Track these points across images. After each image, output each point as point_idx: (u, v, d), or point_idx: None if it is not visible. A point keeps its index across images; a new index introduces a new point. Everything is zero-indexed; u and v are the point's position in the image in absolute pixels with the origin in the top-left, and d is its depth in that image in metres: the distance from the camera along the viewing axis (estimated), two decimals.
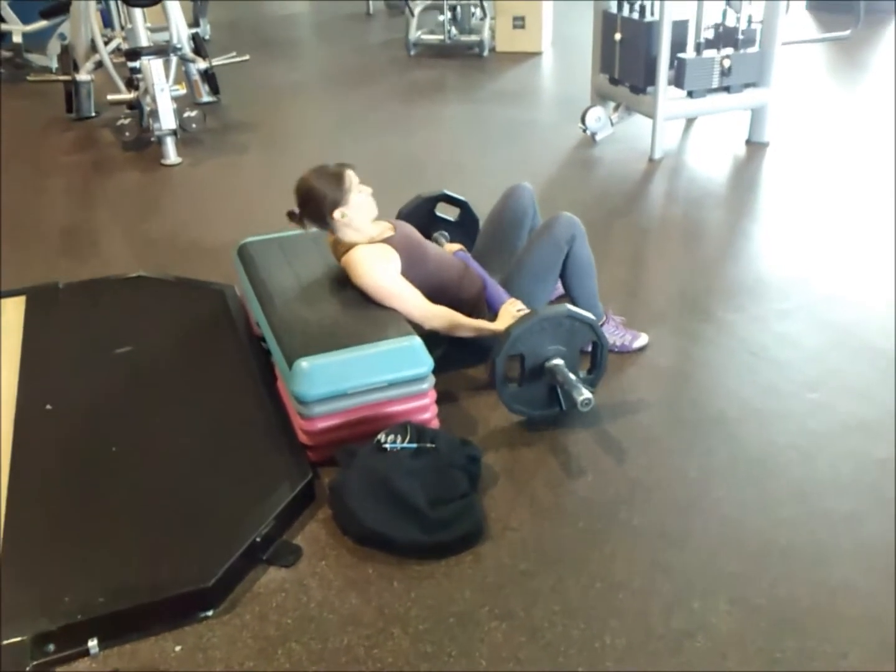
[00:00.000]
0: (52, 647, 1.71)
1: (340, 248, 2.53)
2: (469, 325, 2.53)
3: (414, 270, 2.49)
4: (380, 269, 2.43)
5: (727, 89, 4.51)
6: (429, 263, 2.57)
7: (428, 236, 3.01)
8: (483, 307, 2.66)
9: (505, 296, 2.62)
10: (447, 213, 3.19)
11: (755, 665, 1.68)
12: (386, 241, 2.50)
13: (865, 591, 1.84)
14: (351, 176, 2.45)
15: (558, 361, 2.36)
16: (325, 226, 2.49)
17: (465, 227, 3.17)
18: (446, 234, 3.13)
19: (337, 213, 2.43)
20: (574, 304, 2.51)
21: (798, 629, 1.75)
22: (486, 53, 7.09)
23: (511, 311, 2.50)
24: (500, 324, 2.48)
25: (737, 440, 2.35)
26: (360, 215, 2.48)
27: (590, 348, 2.44)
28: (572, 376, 2.33)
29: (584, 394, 2.26)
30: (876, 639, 1.73)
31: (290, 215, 2.52)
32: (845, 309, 3.00)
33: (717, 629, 1.76)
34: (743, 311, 3.01)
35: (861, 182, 4.18)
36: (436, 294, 2.52)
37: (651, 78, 4.41)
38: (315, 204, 2.43)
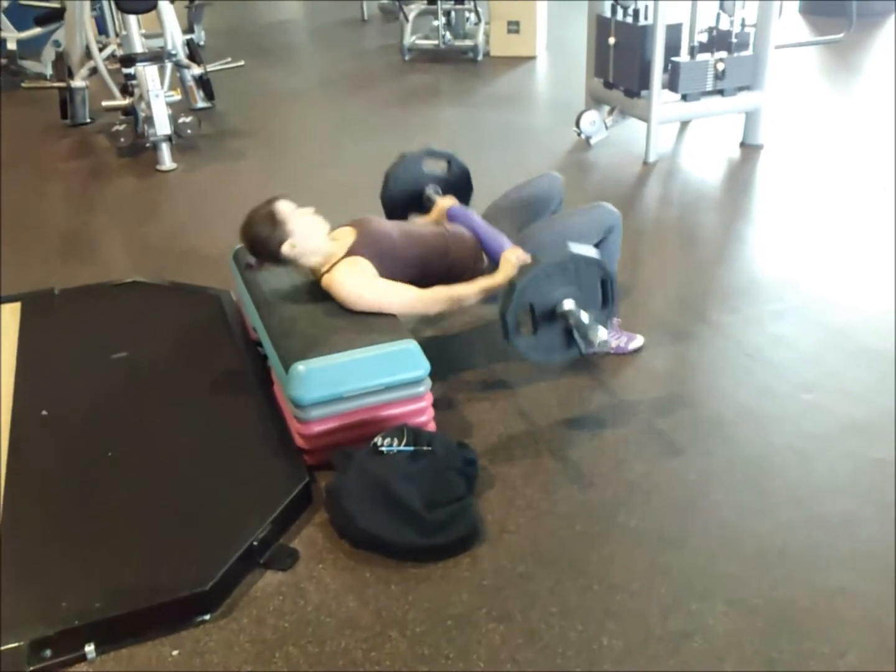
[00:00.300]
0: (48, 652, 1.70)
1: (315, 276, 2.50)
2: (472, 291, 2.46)
3: (390, 264, 2.45)
4: (360, 288, 2.38)
5: (721, 92, 4.52)
6: (403, 251, 2.49)
7: (420, 194, 3.00)
8: (480, 262, 2.59)
9: (505, 243, 2.53)
10: (435, 170, 3.13)
11: (753, 666, 1.68)
12: (350, 252, 2.44)
13: (863, 592, 1.84)
14: (282, 208, 2.40)
15: (570, 304, 2.28)
16: (285, 263, 2.45)
17: (455, 181, 3.10)
18: (438, 188, 3.05)
19: (286, 248, 2.39)
20: None
21: (795, 630, 1.75)
22: (480, 58, 7.11)
23: (511, 259, 2.42)
24: (503, 274, 2.42)
25: (734, 442, 2.35)
26: (310, 240, 2.42)
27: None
28: (585, 318, 2.25)
29: (601, 333, 2.19)
30: (874, 640, 1.73)
31: (249, 266, 2.51)
32: (840, 310, 3.01)
33: (714, 631, 1.76)
34: (738, 313, 3.02)
35: (855, 184, 4.20)
36: (424, 273, 2.48)
37: (645, 81, 4.42)
38: (263, 249, 2.41)
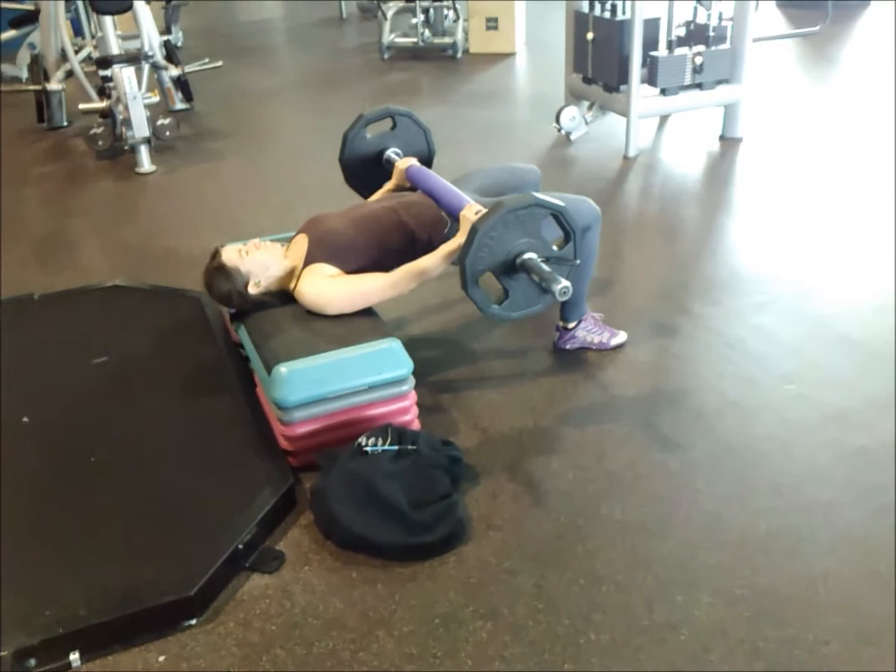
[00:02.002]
0: (32, 661, 1.69)
1: (289, 291, 2.49)
2: (437, 258, 2.36)
3: (350, 257, 2.43)
4: (327, 293, 2.37)
5: (700, 86, 4.54)
6: (353, 240, 2.45)
7: (380, 161, 2.95)
8: (441, 224, 2.54)
9: (464, 200, 2.44)
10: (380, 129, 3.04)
11: (739, 656, 1.69)
12: (308, 260, 2.42)
13: (845, 579, 1.86)
14: (228, 256, 2.41)
15: (529, 255, 2.16)
16: (259, 300, 2.45)
17: (405, 129, 3.00)
18: (398, 150, 2.98)
19: (252, 288, 2.41)
20: None
21: (779, 618, 1.77)
22: (459, 55, 7.11)
23: (469, 216, 2.29)
24: (463, 234, 2.30)
25: (716, 433, 2.37)
26: (268, 269, 2.43)
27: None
28: (546, 268, 2.15)
29: (562, 282, 2.10)
30: (856, 626, 1.74)
31: (232, 317, 2.57)
32: (821, 301, 3.03)
33: (700, 621, 1.77)
34: (719, 305, 3.03)
35: (834, 175, 4.23)
36: (385, 252, 2.44)
37: (624, 76, 4.43)
38: (234, 301, 2.45)
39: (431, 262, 2.38)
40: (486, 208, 2.23)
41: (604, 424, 2.42)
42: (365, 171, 2.98)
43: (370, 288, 2.39)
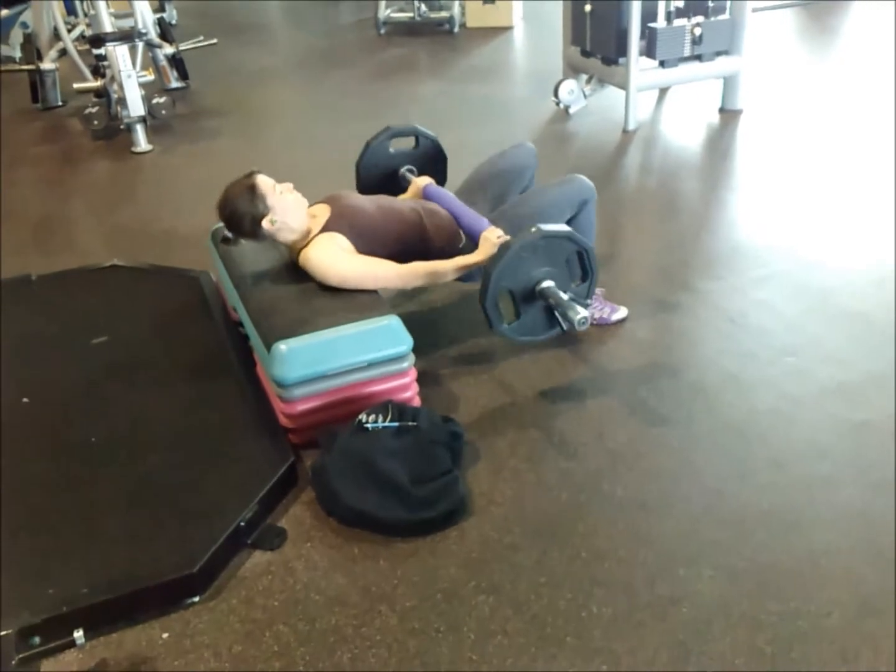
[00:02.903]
0: (37, 639, 1.70)
1: (292, 253, 2.48)
2: (450, 267, 2.44)
3: (367, 239, 2.42)
4: (338, 262, 2.36)
5: (699, 58, 4.50)
6: (378, 225, 2.47)
7: (394, 176, 2.97)
8: (457, 240, 2.58)
9: (483, 222, 2.51)
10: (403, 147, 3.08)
11: (740, 629, 1.69)
12: (325, 227, 2.42)
13: (845, 552, 1.86)
14: (263, 182, 2.37)
15: (548, 283, 2.27)
16: (262, 238, 2.41)
17: (427, 153, 3.05)
18: (413, 168, 3.02)
19: (266, 224, 2.36)
20: None
21: (781, 592, 1.77)
22: (456, 30, 7.04)
23: (491, 239, 2.39)
24: (482, 254, 2.40)
25: (717, 408, 2.36)
26: (290, 215, 2.38)
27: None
28: (564, 296, 2.24)
29: (580, 313, 2.18)
30: (857, 598, 1.75)
31: (226, 240, 2.46)
32: (822, 274, 3.02)
33: (702, 595, 1.78)
34: (720, 280, 3.02)
35: (835, 147, 4.20)
36: (402, 248, 2.46)
37: (622, 49, 4.39)
38: (241, 224, 2.37)
39: (444, 267, 2.43)
40: (497, 226, 2.44)
41: (604, 401, 2.41)
42: (378, 181, 2.99)
43: (379, 271, 2.39)
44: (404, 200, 2.71)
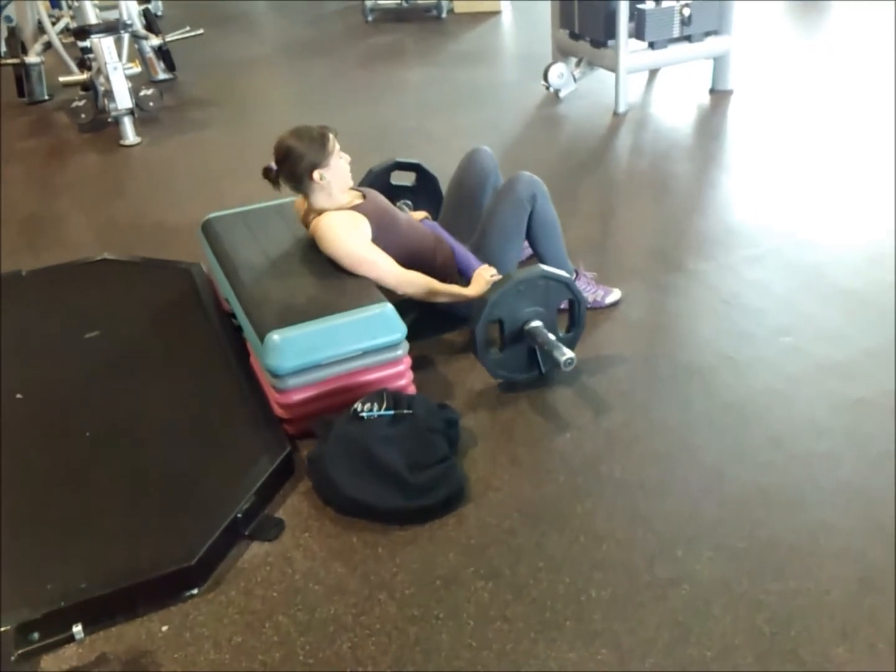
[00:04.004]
0: (36, 635, 1.69)
1: (310, 215, 2.50)
2: (444, 290, 2.51)
3: (385, 237, 2.46)
4: (350, 236, 2.40)
5: (688, 38, 4.48)
6: (400, 231, 2.54)
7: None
8: (454, 274, 2.63)
9: (475, 261, 2.60)
10: (404, 180, 3.13)
11: (740, 608, 1.69)
12: (355, 208, 2.47)
13: (844, 529, 1.86)
14: (333, 140, 2.42)
15: (537, 323, 2.34)
16: (300, 186, 2.44)
17: (425, 191, 3.11)
18: (409, 202, 3.08)
19: (316, 175, 2.38)
20: (543, 263, 2.50)
21: (781, 570, 1.77)
22: (444, 15, 7.00)
23: (485, 276, 2.47)
24: (474, 289, 2.47)
25: (713, 388, 2.36)
26: (337, 180, 2.44)
27: (566, 306, 2.43)
28: (552, 337, 2.32)
29: (567, 354, 2.25)
30: (857, 575, 1.75)
31: (266, 171, 2.46)
32: (815, 252, 3.01)
33: (701, 575, 1.78)
34: (714, 260, 3.01)
35: (827, 126, 4.18)
36: (408, 261, 2.49)
37: (611, 31, 4.36)
38: (294, 162, 2.38)
39: (440, 288, 2.50)
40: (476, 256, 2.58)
41: (600, 383, 2.41)
42: None
43: (382, 263, 2.42)
44: (421, 223, 2.73)
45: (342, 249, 2.38)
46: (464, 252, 2.65)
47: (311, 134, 2.39)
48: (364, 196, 2.55)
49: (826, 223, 3.22)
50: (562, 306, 2.43)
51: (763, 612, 1.68)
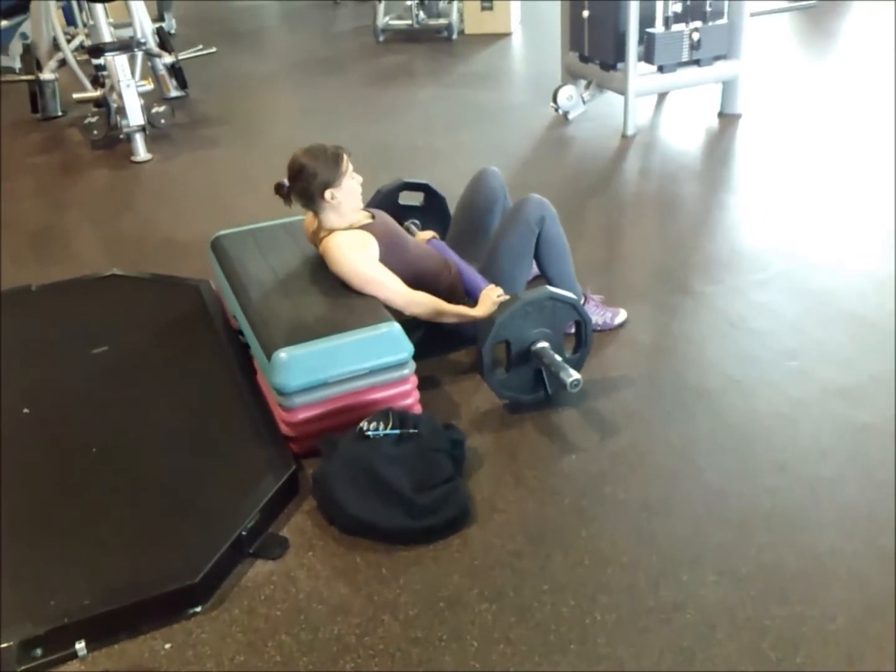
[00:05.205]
0: (39, 651, 1.69)
1: (320, 234, 2.51)
2: (451, 311, 2.52)
3: (393, 258, 2.47)
4: (358, 255, 2.41)
5: (697, 62, 4.50)
6: (408, 252, 2.55)
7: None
8: (460, 294, 2.65)
9: (483, 282, 2.61)
10: (412, 200, 3.14)
11: (745, 634, 1.68)
12: (364, 227, 2.48)
13: (850, 554, 1.85)
14: (347, 160, 2.44)
15: (543, 344, 2.35)
16: (311, 204, 2.46)
17: (433, 210, 3.12)
18: (417, 222, 3.08)
19: (328, 194, 2.40)
20: (550, 284, 2.50)
21: (785, 596, 1.76)
22: (455, 36, 7.05)
23: (491, 297, 2.49)
24: (481, 310, 2.48)
25: (719, 411, 2.35)
26: (349, 201, 2.46)
27: (572, 329, 2.43)
28: (559, 358, 2.32)
29: (573, 375, 2.25)
30: (862, 601, 1.74)
31: (279, 187, 2.48)
32: (822, 276, 3.02)
33: (706, 600, 1.77)
34: (721, 283, 3.02)
35: (835, 150, 4.20)
36: (415, 282, 2.51)
37: (621, 54, 4.39)
38: (307, 180, 2.40)
39: (447, 309, 2.52)
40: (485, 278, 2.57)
41: (605, 405, 2.41)
42: None
43: (389, 284, 2.43)
44: (428, 245, 2.76)
45: (351, 269, 2.40)
46: (471, 272, 2.66)
47: (326, 153, 2.41)
48: (373, 217, 2.57)
49: (833, 247, 3.22)
50: (569, 330, 2.43)
51: (768, 637, 1.67)
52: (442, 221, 3.06)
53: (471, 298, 2.61)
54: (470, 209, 2.89)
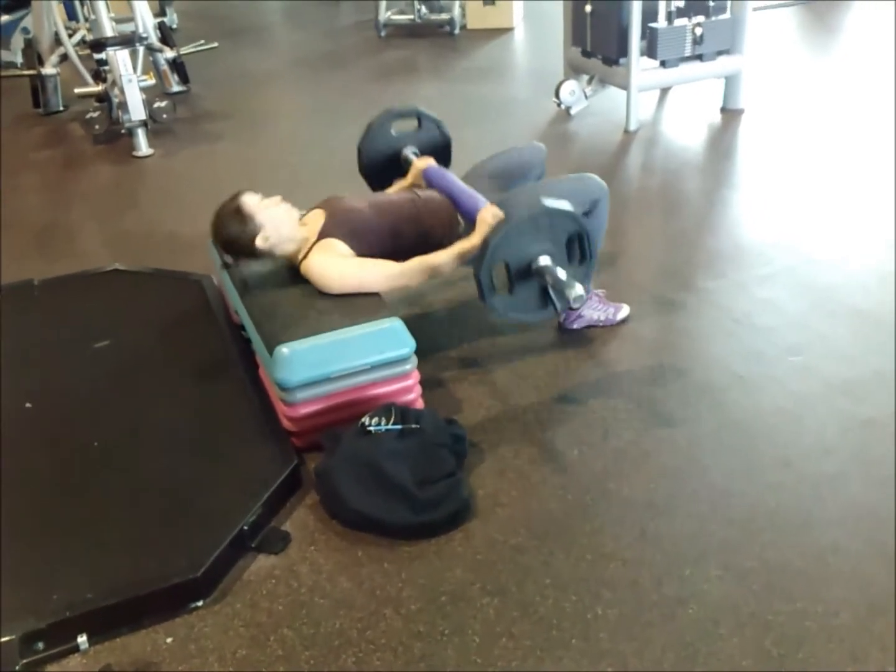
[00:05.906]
0: (41, 644, 1.69)
1: (293, 263, 2.46)
2: (449, 258, 2.39)
3: (363, 239, 2.41)
4: (338, 270, 2.35)
5: (700, 57, 4.49)
6: (372, 223, 2.45)
7: (397, 157, 2.96)
8: (456, 226, 2.55)
9: (481, 202, 2.48)
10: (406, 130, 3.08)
11: (748, 629, 1.68)
12: (322, 234, 2.40)
13: (853, 551, 1.85)
14: (248, 201, 2.37)
15: (545, 260, 2.21)
16: (261, 256, 2.42)
17: (430, 137, 3.03)
18: (415, 149, 2.99)
19: (259, 242, 2.36)
20: None
21: (789, 592, 1.76)
22: (457, 31, 7.03)
23: (487, 218, 2.34)
24: (479, 235, 2.35)
25: (723, 407, 2.35)
26: (281, 229, 2.38)
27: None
28: (561, 274, 2.19)
29: (577, 289, 2.13)
30: (865, 597, 1.74)
31: (226, 266, 2.50)
32: (826, 272, 3.01)
33: (709, 595, 1.76)
34: (724, 279, 3.01)
35: (838, 145, 4.18)
36: (398, 241, 2.44)
37: (623, 49, 4.38)
38: (236, 247, 2.40)
39: (443, 258, 2.39)
40: (501, 209, 2.31)
41: (609, 401, 2.40)
42: (381, 163, 2.98)
43: (380, 272, 2.37)
44: (399, 192, 2.69)
45: (340, 284, 2.34)
46: (471, 195, 2.53)
47: (226, 213, 2.36)
48: (325, 211, 2.48)
49: (837, 242, 3.22)
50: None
51: (771, 633, 1.67)
52: (440, 145, 3.02)
53: (469, 223, 2.49)
54: (506, 162, 2.84)
